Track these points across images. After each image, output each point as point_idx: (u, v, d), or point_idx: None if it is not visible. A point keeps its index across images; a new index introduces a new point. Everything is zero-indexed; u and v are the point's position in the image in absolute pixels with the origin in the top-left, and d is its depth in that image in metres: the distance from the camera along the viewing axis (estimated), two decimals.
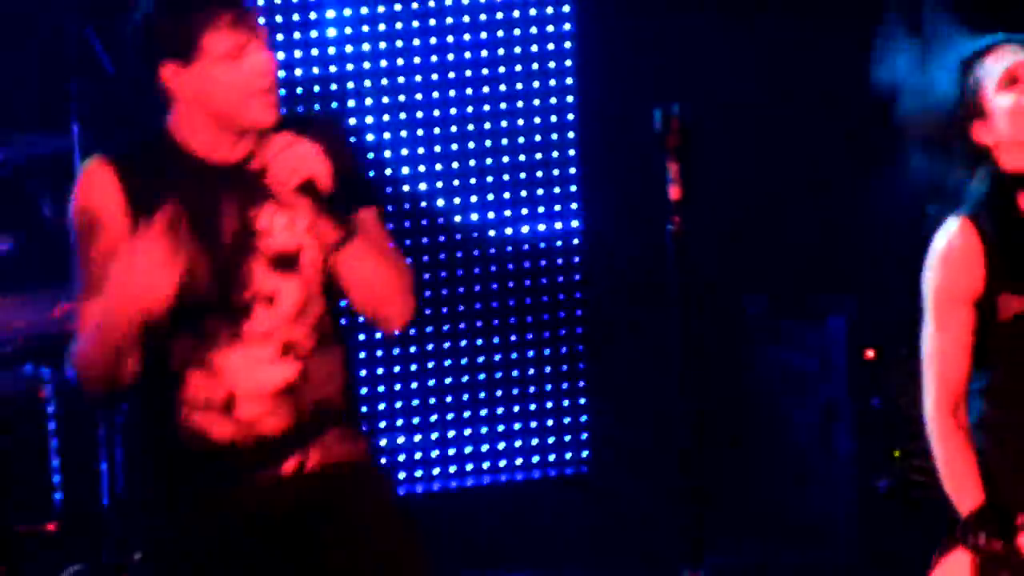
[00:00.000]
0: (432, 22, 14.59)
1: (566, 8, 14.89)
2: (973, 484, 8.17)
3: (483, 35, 14.75)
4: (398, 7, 14.63)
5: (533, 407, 13.66)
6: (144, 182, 8.07)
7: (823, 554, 11.70)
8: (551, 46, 14.76)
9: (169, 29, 8.07)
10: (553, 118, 14.13)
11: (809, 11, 14.35)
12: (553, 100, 14.29)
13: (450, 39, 14.60)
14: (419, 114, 14.34)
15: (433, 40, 14.55)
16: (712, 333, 11.64)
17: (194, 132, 8.10)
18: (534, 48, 14.74)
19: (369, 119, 14.50)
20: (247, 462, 8.14)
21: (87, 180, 8.08)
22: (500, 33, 14.80)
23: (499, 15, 14.90)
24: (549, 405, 13.59)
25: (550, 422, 13.54)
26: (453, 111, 14.57)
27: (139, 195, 8.03)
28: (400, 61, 14.54)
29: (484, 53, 14.75)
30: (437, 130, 14.46)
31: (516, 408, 13.68)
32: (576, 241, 14.27)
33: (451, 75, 14.58)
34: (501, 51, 14.83)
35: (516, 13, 14.82)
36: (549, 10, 14.79)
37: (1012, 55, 8.63)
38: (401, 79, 14.51)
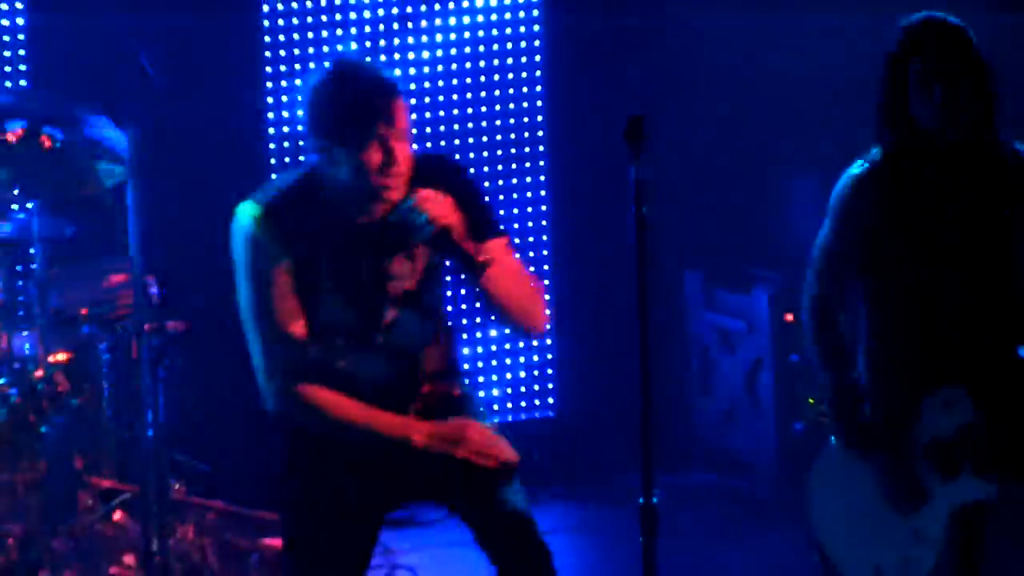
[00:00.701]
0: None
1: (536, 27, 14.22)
2: (844, 369, 8.27)
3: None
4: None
5: (508, 361, 13.28)
6: (296, 232, 7.98)
7: (750, 480, 11.79)
8: (523, 59, 14.05)
9: (328, 113, 7.91)
10: (525, 119, 13.63)
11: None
12: (525, 104, 13.81)
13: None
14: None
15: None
16: (660, 301, 11.32)
17: (335, 193, 7.96)
18: (509, 61, 14.03)
19: None
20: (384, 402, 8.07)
21: (250, 235, 8.00)
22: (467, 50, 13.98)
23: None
24: (522, 360, 13.18)
25: (523, 374, 13.21)
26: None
27: (295, 244, 7.96)
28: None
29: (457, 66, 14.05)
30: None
31: (493, 362, 13.28)
32: (544, 222, 13.86)
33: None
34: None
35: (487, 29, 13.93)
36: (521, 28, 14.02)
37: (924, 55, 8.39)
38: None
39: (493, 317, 8.38)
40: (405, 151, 7.88)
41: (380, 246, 7.98)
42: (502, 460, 7.94)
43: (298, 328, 7.90)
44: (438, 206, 7.83)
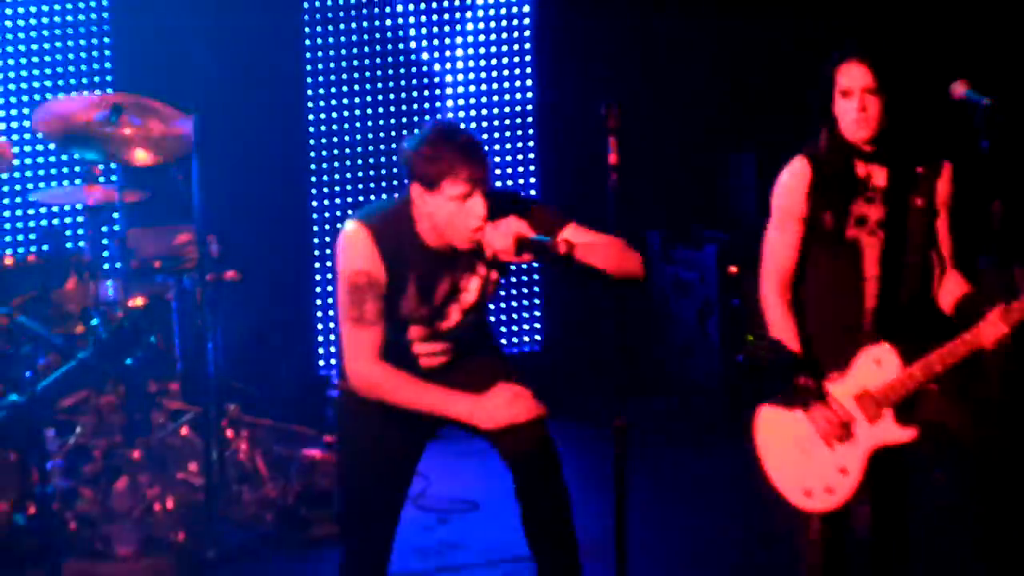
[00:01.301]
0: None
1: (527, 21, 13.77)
2: (793, 339, 8.14)
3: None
4: None
5: (503, 305, 13.23)
6: (392, 252, 8.02)
7: (701, 403, 11.68)
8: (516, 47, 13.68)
9: (424, 165, 7.96)
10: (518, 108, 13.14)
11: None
12: (517, 95, 13.32)
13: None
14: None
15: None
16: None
17: (424, 227, 8.00)
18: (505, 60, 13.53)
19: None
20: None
21: (356, 244, 8.06)
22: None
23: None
24: (514, 303, 13.15)
25: (514, 315, 13.15)
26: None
27: (390, 261, 8.01)
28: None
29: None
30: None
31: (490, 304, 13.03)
32: (533, 192, 13.57)
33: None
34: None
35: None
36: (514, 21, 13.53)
37: (848, 74, 8.23)
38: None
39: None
40: (485, 205, 7.97)
41: (456, 267, 8.05)
42: (533, 415, 7.95)
43: (380, 327, 7.95)
44: (508, 225, 7.91)
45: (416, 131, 8.46)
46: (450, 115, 13.34)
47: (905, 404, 8.13)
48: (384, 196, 12.71)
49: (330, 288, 12.22)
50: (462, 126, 9.00)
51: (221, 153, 10.14)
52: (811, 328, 8.30)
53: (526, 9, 13.88)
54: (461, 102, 13.58)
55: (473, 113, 13.57)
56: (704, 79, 13.23)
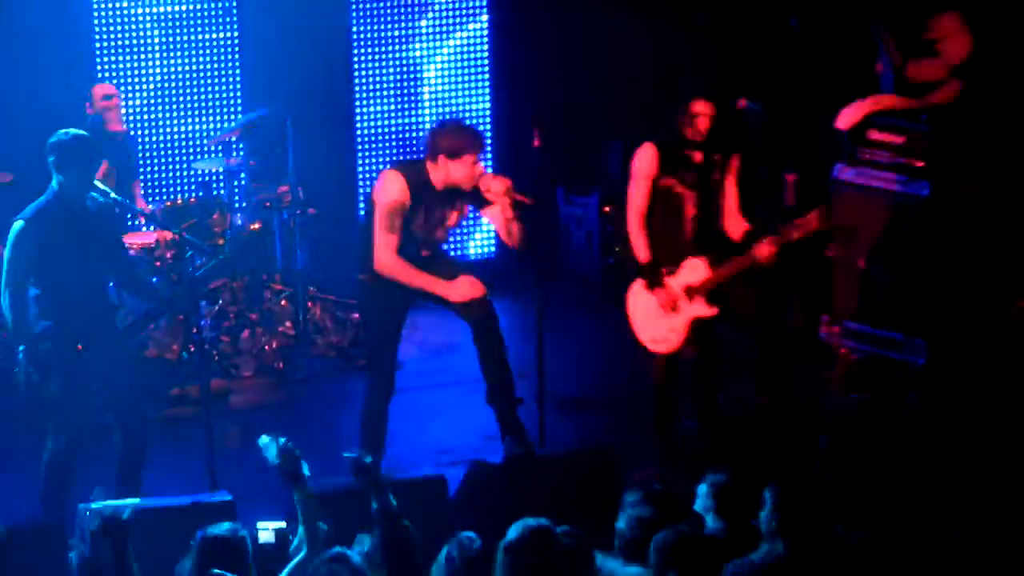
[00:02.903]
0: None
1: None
2: (645, 251, 8.14)
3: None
4: None
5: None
6: (413, 188, 7.87)
7: (589, 288, 11.30)
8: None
9: (449, 144, 7.86)
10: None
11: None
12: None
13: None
14: None
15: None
16: (548, 201, 11.20)
17: (436, 177, 7.89)
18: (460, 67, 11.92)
19: None
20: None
21: (393, 182, 7.96)
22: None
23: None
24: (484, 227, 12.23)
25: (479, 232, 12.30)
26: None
27: (413, 196, 7.86)
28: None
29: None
30: None
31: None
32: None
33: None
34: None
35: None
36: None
37: (696, 106, 8.20)
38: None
39: (499, 234, 8.28)
40: (480, 167, 7.97)
41: (445, 204, 7.96)
42: (480, 293, 7.88)
43: (399, 235, 7.84)
44: (500, 179, 7.92)
45: (439, 122, 8.34)
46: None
47: (711, 293, 8.24)
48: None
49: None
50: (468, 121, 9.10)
51: (303, 137, 10.19)
52: (656, 245, 8.28)
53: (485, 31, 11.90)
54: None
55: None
56: (596, 84, 11.74)
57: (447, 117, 9.81)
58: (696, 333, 8.34)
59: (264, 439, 6.04)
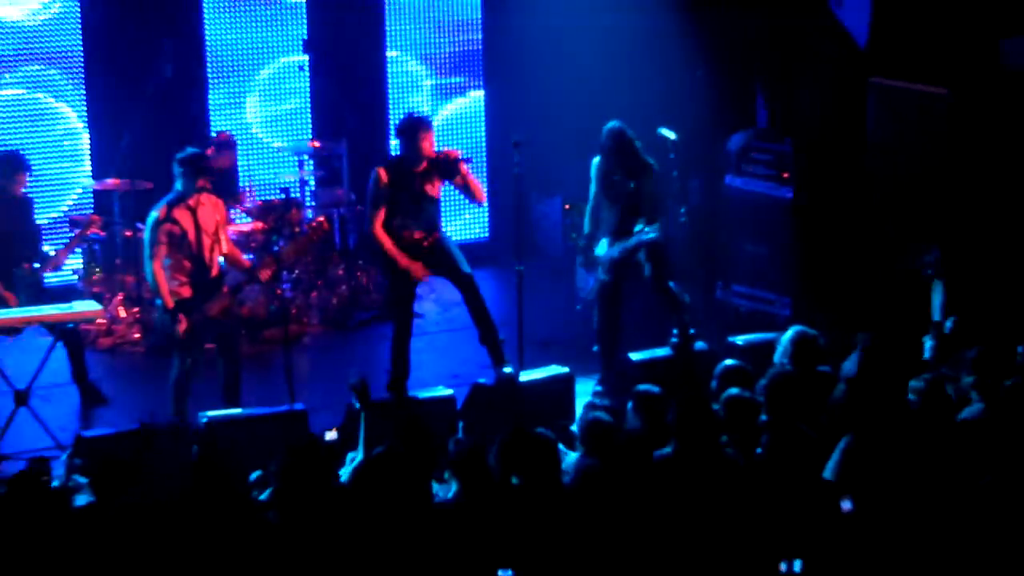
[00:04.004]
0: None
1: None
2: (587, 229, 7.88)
3: None
4: None
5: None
6: (394, 175, 7.56)
7: (552, 262, 10.46)
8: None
9: (408, 128, 7.57)
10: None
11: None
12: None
13: None
14: None
15: None
16: (530, 199, 10.62)
17: (409, 158, 7.59)
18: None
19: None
20: (416, 242, 7.62)
21: (378, 176, 7.57)
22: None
23: None
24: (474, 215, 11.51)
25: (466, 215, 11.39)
26: None
27: (393, 179, 7.54)
28: None
29: None
30: None
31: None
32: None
33: None
34: None
35: None
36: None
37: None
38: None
39: (467, 199, 7.89)
40: (432, 140, 7.62)
41: (422, 179, 7.62)
42: (421, 279, 7.63)
43: (383, 212, 7.53)
44: (454, 155, 7.59)
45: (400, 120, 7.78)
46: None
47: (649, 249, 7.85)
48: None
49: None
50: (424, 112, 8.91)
51: (353, 157, 10.04)
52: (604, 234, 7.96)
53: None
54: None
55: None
56: (561, 120, 10.34)
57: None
58: (655, 264, 8.05)
59: (353, 378, 6.13)
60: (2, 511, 4.71)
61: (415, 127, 7.62)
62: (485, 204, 8.22)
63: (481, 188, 7.87)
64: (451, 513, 4.92)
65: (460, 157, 7.68)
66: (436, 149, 7.68)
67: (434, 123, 8.44)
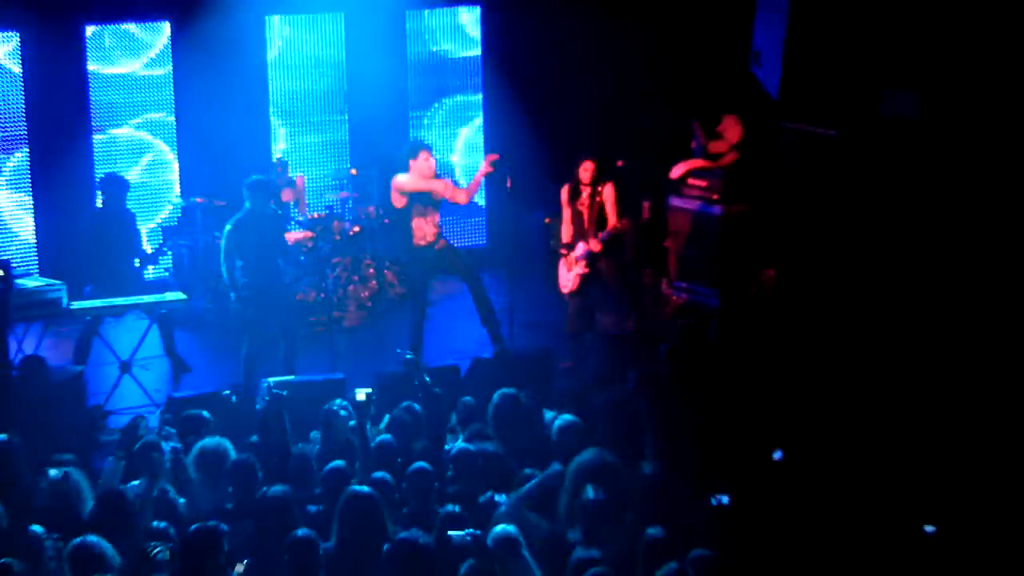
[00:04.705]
0: None
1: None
2: (568, 237, 7.74)
3: None
4: None
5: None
6: (410, 187, 7.43)
7: (537, 261, 9.50)
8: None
9: (410, 151, 7.41)
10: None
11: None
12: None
13: None
14: None
15: None
16: (521, 210, 9.74)
17: (419, 172, 7.49)
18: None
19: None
20: (431, 243, 7.54)
21: (396, 183, 7.33)
22: None
23: None
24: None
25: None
26: None
27: (410, 191, 7.42)
28: None
29: None
30: None
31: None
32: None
33: None
34: None
35: None
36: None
37: (583, 167, 7.72)
38: None
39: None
40: (432, 160, 7.50)
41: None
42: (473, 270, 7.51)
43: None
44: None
45: (411, 140, 7.73)
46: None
47: (589, 263, 7.82)
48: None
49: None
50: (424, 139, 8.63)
51: (381, 179, 9.40)
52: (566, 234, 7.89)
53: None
54: None
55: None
56: (544, 153, 9.85)
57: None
58: (583, 283, 7.99)
59: (408, 355, 6.23)
60: (120, 452, 5.04)
61: (416, 150, 7.59)
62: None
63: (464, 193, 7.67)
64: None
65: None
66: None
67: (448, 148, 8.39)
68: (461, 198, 7.78)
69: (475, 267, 7.78)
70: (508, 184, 7.90)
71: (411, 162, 7.58)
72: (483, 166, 7.73)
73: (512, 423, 5.33)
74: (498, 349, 7.58)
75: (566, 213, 7.96)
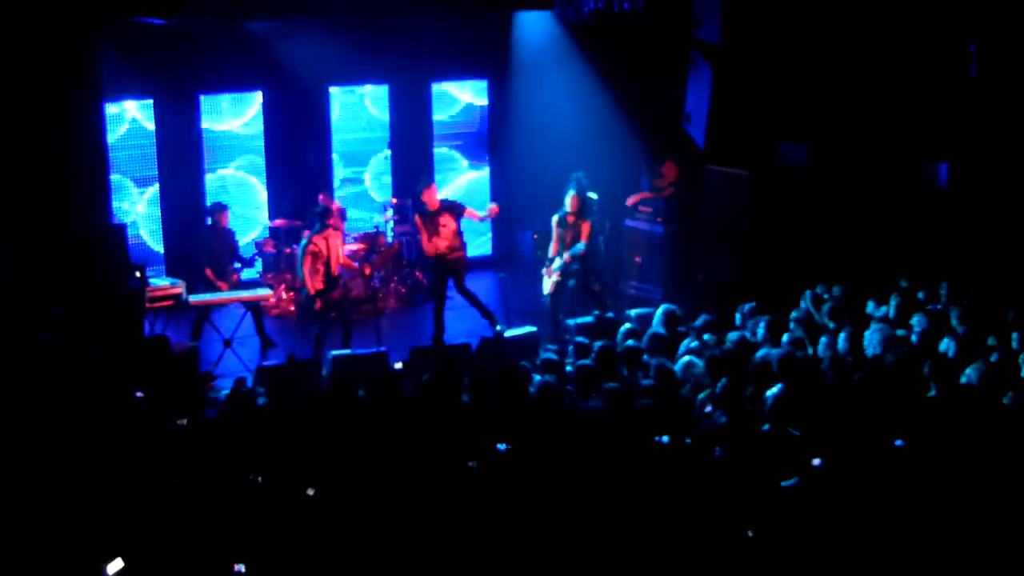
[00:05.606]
0: None
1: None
2: (553, 250, 7.41)
3: None
4: None
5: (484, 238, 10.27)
6: (425, 216, 7.20)
7: (526, 267, 9.54)
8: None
9: (422, 186, 7.12)
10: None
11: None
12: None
13: None
14: None
15: None
16: (517, 235, 9.95)
17: (428, 204, 7.31)
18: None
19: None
20: (443, 254, 7.44)
21: (417, 220, 7.09)
22: None
23: None
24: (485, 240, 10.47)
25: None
26: None
27: (425, 218, 7.18)
28: None
29: None
30: None
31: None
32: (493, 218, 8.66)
33: None
34: None
35: None
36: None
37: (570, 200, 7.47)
38: None
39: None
40: (436, 191, 7.26)
41: (439, 217, 7.30)
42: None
43: (425, 236, 7.20)
44: (460, 206, 7.23)
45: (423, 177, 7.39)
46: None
47: (562, 272, 7.57)
48: None
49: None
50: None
51: (417, 202, 8.19)
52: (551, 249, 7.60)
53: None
54: None
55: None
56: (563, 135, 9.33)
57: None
58: (556, 287, 7.82)
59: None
60: (227, 407, 5.08)
61: (426, 184, 7.42)
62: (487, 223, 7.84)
63: (479, 216, 7.54)
64: (466, 411, 4.93)
65: (463, 204, 7.39)
66: (443, 198, 7.29)
67: (454, 184, 8.06)
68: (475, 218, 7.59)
69: (464, 281, 7.55)
70: (495, 211, 7.89)
71: (424, 193, 7.49)
72: (489, 211, 7.66)
73: None
74: (495, 332, 7.45)
75: (555, 233, 7.88)
